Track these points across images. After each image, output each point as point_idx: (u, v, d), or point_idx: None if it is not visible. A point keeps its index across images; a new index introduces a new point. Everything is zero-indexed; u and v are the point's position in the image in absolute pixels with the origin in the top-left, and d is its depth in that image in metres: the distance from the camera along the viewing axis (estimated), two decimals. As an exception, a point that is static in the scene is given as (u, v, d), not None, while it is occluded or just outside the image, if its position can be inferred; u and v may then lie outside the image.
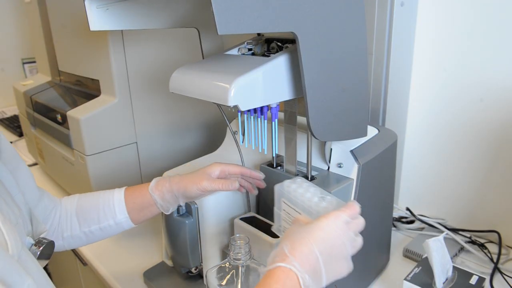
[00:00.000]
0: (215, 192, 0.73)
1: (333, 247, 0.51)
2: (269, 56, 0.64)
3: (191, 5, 0.75)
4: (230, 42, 0.77)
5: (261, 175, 0.76)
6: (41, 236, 0.62)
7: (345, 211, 0.54)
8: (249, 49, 0.73)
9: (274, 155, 0.77)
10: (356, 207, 0.55)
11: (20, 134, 1.76)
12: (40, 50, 1.36)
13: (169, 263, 0.87)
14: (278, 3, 0.50)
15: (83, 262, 1.02)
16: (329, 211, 0.56)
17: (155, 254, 0.95)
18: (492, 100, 0.88)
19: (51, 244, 0.61)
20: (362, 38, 0.64)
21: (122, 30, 0.97)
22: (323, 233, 0.51)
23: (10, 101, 2.03)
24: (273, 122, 0.67)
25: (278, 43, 0.72)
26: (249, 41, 0.74)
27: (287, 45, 0.71)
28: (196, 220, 0.77)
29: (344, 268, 0.54)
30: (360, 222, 0.55)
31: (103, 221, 0.74)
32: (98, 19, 0.69)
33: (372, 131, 0.79)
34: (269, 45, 0.74)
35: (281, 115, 0.75)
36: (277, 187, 0.66)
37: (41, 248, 0.58)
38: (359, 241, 0.54)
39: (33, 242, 0.58)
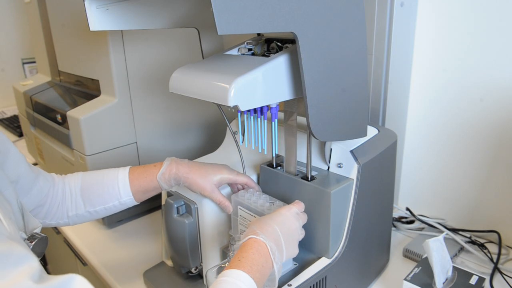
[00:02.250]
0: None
1: (289, 229, 0.63)
2: (269, 56, 0.64)
3: (191, 5, 0.75)
4: (230, 42, 0.77)
5: (260, 189, 0.80)
6: (34, 231, 0.62)
7: (295, 205, 0.67)
8: (249, 49, 0.73)
9: (274, 155, 0.77)
10: (302, 204, 0.68)
11: (20, 134, 1.76)
12: (40, 50, 1.36)
13: (169, 263, 0.87)
14: (278, 3, 0.50)
15: (83, 262, 1.03)
16: None
17: (155, 254, 0.95)
18: (492, 100, 0.88)
19: (44, 239, 0.61)
20: (362, 38, 0.64)
21: (122, 30, 0.97)
22: (282, 218, 0.64)
23: (10, 101, 2.03)
24: (273, 122, 0.68)
25: (278, 43, 0.72)
26: (249, 41, 0.74)
27: (287, 45, 0.71)
28: (196, 220, 0.77)
29: (295, 250, 0.65)
30: (305, 217, 0.68)
31: (108, 201, 0.76)
32: (98, 19, 0.69)
33: (372, 131, 0.79)
34: (269, 45, 0.74)
35: (281, 115, 0.75)
36: (233, 197, 0.75)
37: (33, 242, 0.59)
38: (303, 233, 0.67)
39: (26, 237, 0.59)
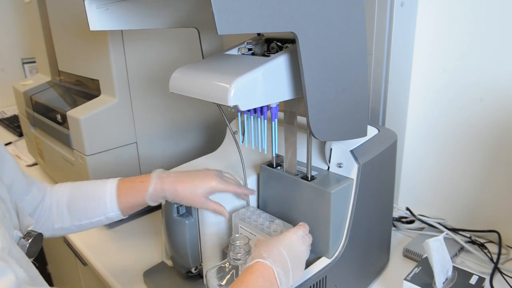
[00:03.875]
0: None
1: (296, 252, 0.62)
2: (269, 56, 0.64)
3: (191, 5, 0.75)
4: (230, 42, 0.77)
5: (253, 192, 0.80)
6: (29, 229, 0.62)
7: (300, 228, 0.66)
8: (249, 49, 0.73)
9: (274, 155, 0.77)
10: (306, 226, 0.67)
11: (20, 134, 1.76)
12: (40, 50, 1.36)
13: (169, 263, 0.87)
14: (278, 3, 0.50)
15: (83, 262, 1.02)
16: (278, 231, 0.70)
17: (155, 254, 0.95)
18: (492, 100, 0.88)
19: (39, 236, 0.61)
20: (362, 38, 0.64)
21: (122, 30, 0.97)
22: (289, 241, 0.62)
23: (10, 101, 2.03)
24: (273, 122, 0.67)
25: (278, 43, 0.72)
26: (249, 41, 0.74)
27: (287, 45, 0.71)
28: (196, 220, 0.77)
29: (302, 273, 0.63)
30: (310, 239, 0.67)
31: (95, 216, 0.75)
32: (98, 19, 0.69)
33: (372, 131, 0.79)
34: (269, 45, 0.74)
35: (281, 115, 0.75)
36: (234, 215, 0.76)
37: (29, 240, 0.59)
38: (309, 252, 0.65)
39: (21, 235, 0.59)
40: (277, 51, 0.72)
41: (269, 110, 0.66)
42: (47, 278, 1.76)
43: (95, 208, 0.74)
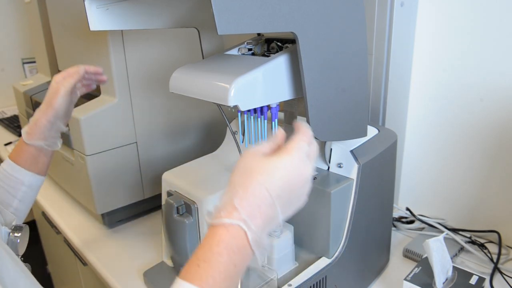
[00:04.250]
0: (82, 91, 0.80)
1: (295, 188, 0.45)
2: (269, 56, 0.64)
3: (191, 5, 0.75)
4: (230, 42, 0.77)
5: (100, 69, 0.80)
6: (13, 223, 0.63)
7: (304, 139, 0.47)
8: (249, 49, 0.73)
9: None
10: (309, 132, 0.49)
11: (20, 134, 1.76)
12: (40, 50, 1.36)
13: (169, 263, 0.87)
14: (278, 3, 0.50)
15: (83, 262, 1.03)
16: (278, 231, 0.64)
17: (155, 254, 0.95)
18: (492, 100, 0.88)
19: (26, 228, 0.61)
20: (362, 38, 0.64)
21: (122, 30, 0.97)
22: (284, 172, 0.44)
23: (10, 101, 2.03)
24: (273, 122, 0.68)
25: (278, 43, 0.72)
26: (249, 41, 0.74)
27: (287, 45, 0.71)
28: (196, 220, 0.77)
29: (300, 206, 0.48)
30: (316, 149, 0.49)
31: (16, 192, 0.74)
32: (98, 19, 0.69)
33: (372, 131, 0.79)
34: (269, 45, 0.74)
35: (281, 115, 0.75)
36: None
37: (20, 234, 0.59)
38: (313, 167, 0.48)
39: (9, 230, 0.59)
40: (277, 51, 0.72)
41: (269, 110, 0.66)
42: (47, 278, 1.76)
43: (10, 186, 0.73)
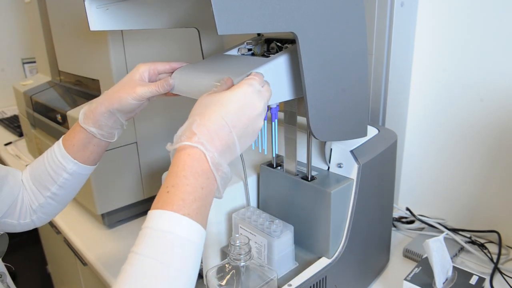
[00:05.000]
0: (153, 99, 0.69)
1: (250, 115, 0.49)
2: (269, 56, 0.64)
3: (191, 5, 0.75)
4: (230, 42, 0.77)
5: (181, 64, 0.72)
6: None
7: (254, 78, 0.52)
8: (249, 49, 0.73)
9: (274, 155, 0.77)
10: (261, 75, 0.53)
11: (20, 134, 1.76)
12: (40, 50, 1.36)
13: (169, 263, 0.87)
14: (278, 3, 0.50)
15: (83, 262, 1.03)
16: (278, 231, 0.67)
17: (155, 254, 0.95)
18: (492, 100, 0.88)
19: (4, 236, 0.59)
20: (362, 38, 0.64)
21: (122, 30, 0.97)
22: (238, 102, 0.48)
23: (10, 101, 2.03)
24: (273, 122, 0.67)
25: (278, 44, 0.72)
26: (248, 41, 0.74)
27: (286, 45, 0.71)
28: (196, 220, 0.77)
29: (253, 139, 0.51)
30: (269, 90, 0.53)
31: (57, 178, 0.69)
32: (98, 19, 0.69)
33: (372, 131, 0.79)
34: (269, 45, 0.74)
35: (281, 115, 0.75)
36: (234, 215, 0.75)
37: None
38: (266, 106, 0.52)
39: None
40: (277, 51, 0.72)
41: (269, 111, 0.66)
42: (47, 278, 1.76)
43: (52, 169, 0.69)
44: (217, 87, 0.53)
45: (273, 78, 0.59)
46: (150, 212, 0.43)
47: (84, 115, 0.68)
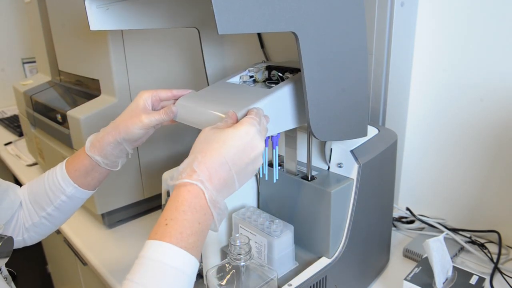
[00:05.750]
0: (157, 126, 0.69)
1: (250, 155, 0.50)
2: (270, 85, 0.67)
3: (191, 5, 0.75)
4: (230, 42, 0.77)
5: (193, 91, 0.72)
6: None
7: (253, 117, 0.53)
8: (251, 76, 0.75)
9: (274, 181, 0.74)
10: (259, 111, 0.55)
11: (20, 134, 1.76)
12: (40, 50, 1.36)
13: (169, 263, 0.87)
14: (278, 3, 0.50)
15: (83, 262, 1.03)
16: (278, 231, 0.67)
17: (155, 254, 0.95)
18: (492, 100, 0.88)
19: (10, 239, 0.59)
20: (362, 38, 0.64)
21: (122, 30, 0.97)
22: (240, 143, 0.50)
23: (10, 101, 2.04)
24: (274, 150, 0.68)
25: (279, 74, 0.74)
26: (250, 68, 0.76)
27: (287, 73, 0.73)
28: (196, 220, 0.77)
29: (252, 175, 0.53)
30: (266, 126, 0.55)
31: (55, 199, 0.70)
32: (98, 19, 0.69)
33: (372, 131, 0.79)
34: (270, 72, 0.76)
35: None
36: (234, 215, 0.75)
37: (0, 243, 0.56)
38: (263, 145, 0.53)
39: None
40: (277, 79, 0.73)
41: (270, 139, 0.66)
42: (47, 278, 1.76)
43: (51, 190, 0.69)
44: (221, 122, 0.54)
45: (274, 110, 0.60)
46: (147, 242, 0.45)
47: (90, 143, 0.69)
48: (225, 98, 0.66)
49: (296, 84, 0.62)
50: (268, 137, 0.65)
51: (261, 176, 0.70)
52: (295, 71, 0.72)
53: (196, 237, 0.46)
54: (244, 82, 0.74)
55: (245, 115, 0.55)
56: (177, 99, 0.70)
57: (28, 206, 0.71)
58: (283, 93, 0.61)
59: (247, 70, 0.75)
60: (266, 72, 0.77)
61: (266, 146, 0.62)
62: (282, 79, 0.72)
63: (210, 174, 0.48)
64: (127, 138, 0.67)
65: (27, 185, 0.73)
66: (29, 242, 0.73)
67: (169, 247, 0.44)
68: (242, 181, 0.51)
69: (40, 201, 0.70)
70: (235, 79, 0.75)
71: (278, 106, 0.61)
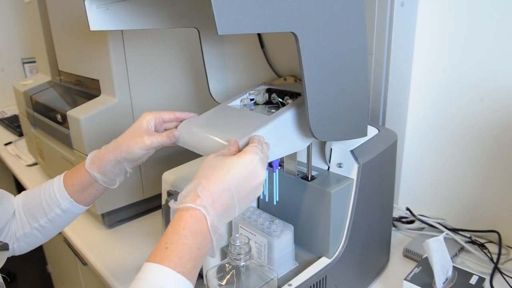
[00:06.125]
0: (159, 147, 0.69)
1: (251, 186, 0.52)
2: (271, 110, 0.69)
3: (191, 5, 0.75)
4: (230, 42, 0.77)
5: (195, 114, 0.74)
6: None
7: (256, 146, 0.54)
8: (251, 99, 0.76)
9: (274, 203, 0.74)
10: (261, 138, 0.56)
11: (20, 134, 1.76)
12: (40, 50, 1.36)
13: (169, 263, 0.87)
14: (278, 3, 0.50)
15: (83, 262, 1.03)
16: (278, 231, 0.68)
17: (155, 254, 0.95)
18: (492, 100, 0.88)
19: (5, 245, 0.59)
20: (362, 38, 0.64)
21: (122, 30, 0.97)
22: (246, 173, 0.51)
23: (10, 101, 2.04)
24: (274, 174, 0.69)
25: (280, 100, 0.75)
26: (251, 91, 0.77)
27: (287, 97, 0.74)
28: (196, 220, 0.77)
29: (252, 201, 0.54)
30: (267, 154, 0.56)
31: (49, 212, 0.70)
32: (98, 19, 0.69)
33: (372, 131, 0.79)
34: (270, 94, 0.78)
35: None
36: None
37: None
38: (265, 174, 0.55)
39: None
40: (277, 103, 0.75)
41: (269, 164, 0.67)
42: (47, 278, 1.76)
43: (47, 202, 0.69)
44: (224, 150, 0.55)
45: (274, 137, 0.61)
46: (146, 264, 0.46)
47: (91, 160, 0.69)
48: (227, 125, 0.68)
49: (296, 110, 0.64)
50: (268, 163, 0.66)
51: (261, 197, 0.70)
52: (295, 95, 0.74)
53: (194, 263, 0.47)
54: (245, 105, 0.76)
55: (247, 142, 0.57)
56: (179, 121, 0.72)
57: (21, 216, 0.71)
58: (283, 120, 0.63)
59: (247, 93, 0.77)
60: (267, 95, 0.79)
61: (266, 169, 0.63)
62: (283, 104, 0.74)
63: (213, 200, 0.49)
64: (128, 157, 0.68)
65: (22, 194, 0.73)
66: (18, 252, 0.73)
67: (168, 272, 0.45)
68: (242, 208, 0.52)
69: (34, 212, 0.70)
70: (236, 102, 0.76)
71: (278, 133, 0.62)
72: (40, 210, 0.70)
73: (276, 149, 0.62)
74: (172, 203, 0.50)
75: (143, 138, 0.67)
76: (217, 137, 0.62)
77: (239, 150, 0.55)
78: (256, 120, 0.64)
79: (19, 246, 0.72)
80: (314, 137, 0.62)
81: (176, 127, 0.71)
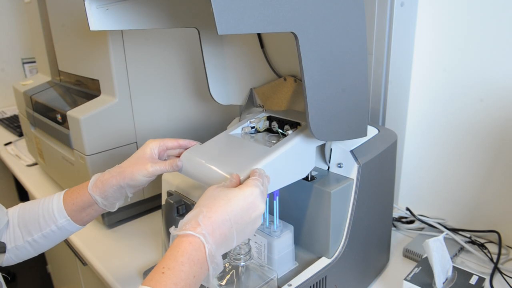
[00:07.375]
0: (161, 174, 0.70)
1: (250, 217, 0.53)
2: (271, 140, 0.71)
3: (191, 5, 0.75)
4: (230, 42, 0.77)
5: (198, 143, 0.74)
6: None
7: (258, 179, 0.55)
8: (252, 127, 0.78)
9: (275, 229, 0.73)
10: (262, 172, 0.58)
11: (20, 134, 1.76)
12: (40, 50, 1.36)
13: (169, 263, 0.87)
14: (278, 3, 0.50)
15: (83, 262, 1.03)
16: (278, 231, 0.68)
17: (155, 254, 0.95)
18: (492, 100, 0.88)
19: (2, 245, 0.60)
20: (362, 38, 0.64)
21: (122, 30, 0.97)
22: (244, 203, 0.52)
23: (10, 101, 2.04)
24: (274, 201, 0.69)
25: (281, 131, 0.76)
26: (252, 120, 0.79)
27: (287, 127, 0.76)
28: (196, 220, 0.77)
29: (252, 232, 0.55)
30: (267, 187, 0.57)
31: (45, 227, 0.70)
32: (98, 19, 0.69)
33: (372, 131, 0.79)
34: (271, 122, 0.79)
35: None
36: None
37: None
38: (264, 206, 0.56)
39: None
40: (277, 132, 0.76)
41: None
42: (47, 278, 1.76)
43: (44, 218, 0.70)
44: (227, 182, 0.57)
45: (274, 170, 0.62)
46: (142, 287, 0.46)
47: (94, 183, 0.70)
48: (229, 156, 0.69)
49: (296, 143, 0.65)
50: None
51: (261, 223, 0.70)
52: (295, 124, 0.75)
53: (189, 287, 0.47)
54: (246, 133, 0.78)
55: (248, 175, 0.58)
56: (183, 148, 0.73)
57: (15, 228, 0.71)
58: (283, 153, 0.64)
59: (248, 122, 0.78)
60: (267, 122, 0.80)
61: (267, 196, 0.63)
62: (283, 135, 0.75)
63: (213, 229, 0.49)
64: (131, 184, 0.68)
65: (19, 206, 0.73)
66: (5, 264, 0.72)
67: None
68: (239, 239, 0.53)
69: (29, 226, 0.70)
70: (238, 131, 0.78)
71: (278, 165, 0.63)
72: (35, 225, 0.70)
73: (276, 180, 0.63)
74: (172, 230, 0.51)
75: (146, 165, 0.68)
76: (220, 170, 0.63)
77: (241, 183, 0.57)
78: (258, 152, 0.65)
79: (7, 258, 0.71)
80: (314, 137, 0.62)
81: (179, 154, 0.72)
